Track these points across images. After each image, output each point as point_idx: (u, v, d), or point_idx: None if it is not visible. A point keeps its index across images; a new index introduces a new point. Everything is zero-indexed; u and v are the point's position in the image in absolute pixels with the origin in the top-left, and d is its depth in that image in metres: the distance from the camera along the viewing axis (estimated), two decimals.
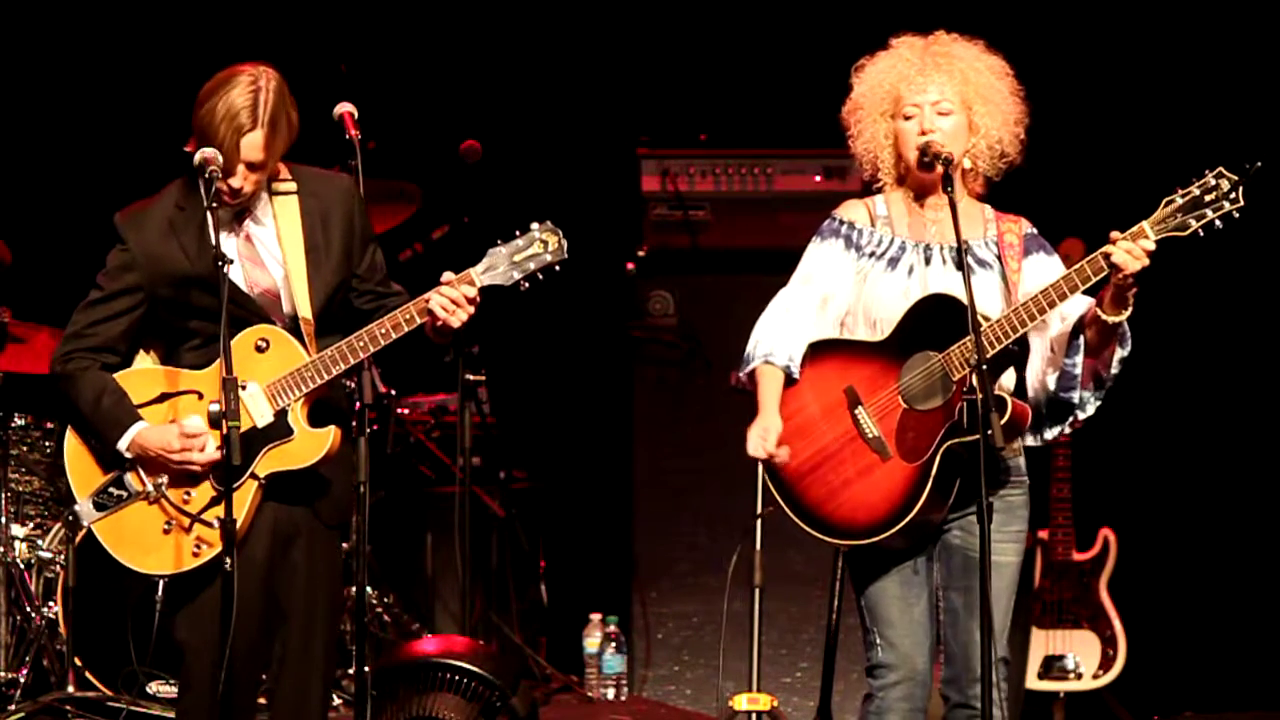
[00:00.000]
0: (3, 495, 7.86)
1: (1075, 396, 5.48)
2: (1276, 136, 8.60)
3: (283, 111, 5.40)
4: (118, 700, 7.60)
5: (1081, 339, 5.44)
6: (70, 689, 7.64)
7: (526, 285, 5.46)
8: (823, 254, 5.59)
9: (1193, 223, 5.29)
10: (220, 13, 9.11)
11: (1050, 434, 5.58)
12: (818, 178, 8.66)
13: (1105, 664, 8.82)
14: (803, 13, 9.20)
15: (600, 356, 9.24)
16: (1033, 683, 8.78)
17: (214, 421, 5.33)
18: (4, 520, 7.81)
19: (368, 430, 5.52)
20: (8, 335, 7.94)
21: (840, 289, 5.57)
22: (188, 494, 5.44)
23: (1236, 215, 5.29)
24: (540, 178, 9.34)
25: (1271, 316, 9.09)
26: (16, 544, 7.84)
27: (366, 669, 5.87)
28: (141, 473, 5.46)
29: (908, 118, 5.53)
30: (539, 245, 5.42)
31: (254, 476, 5.41)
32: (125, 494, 5.47)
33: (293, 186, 5.53)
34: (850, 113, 5.63)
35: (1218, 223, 5.29)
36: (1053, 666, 8.83)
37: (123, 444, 5.43)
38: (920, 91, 5.51)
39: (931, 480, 5.39)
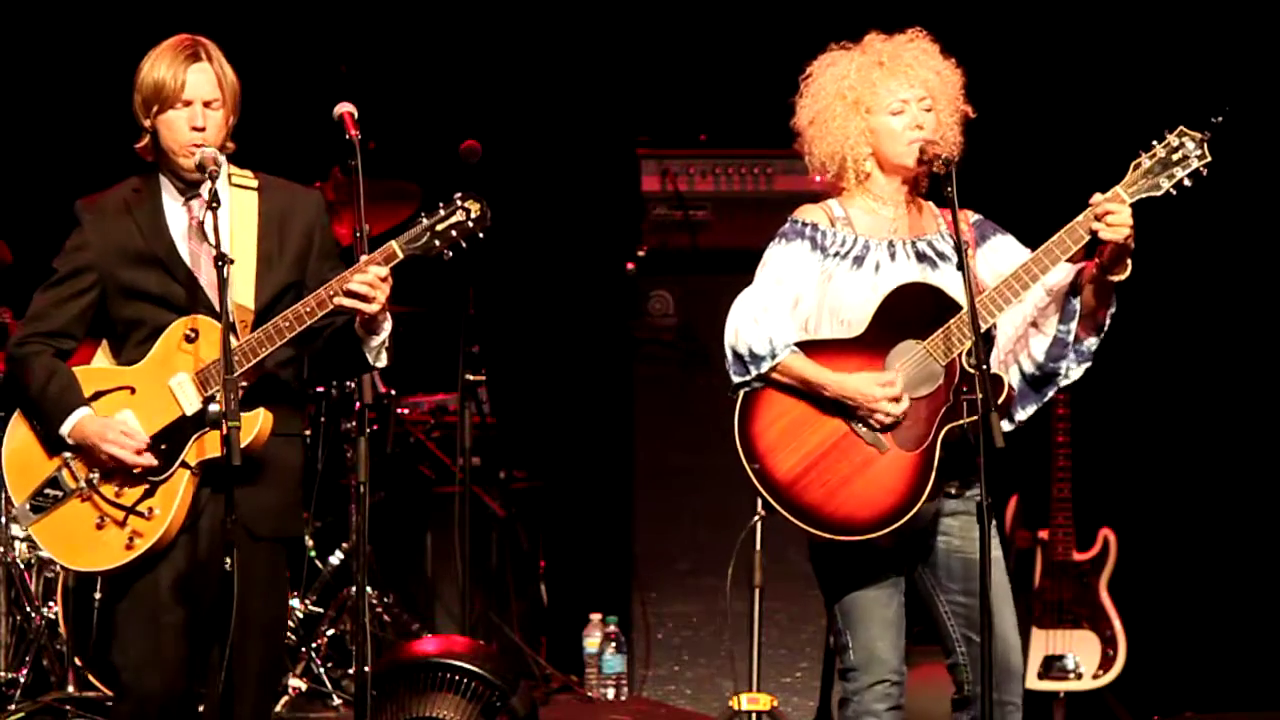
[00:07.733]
0: (2, 495, 7.85)
1: (1063, 366, 5.49)
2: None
3: (224, 62, 5.54)
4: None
5: (1077, 301, 5.44)
6: (70, 689, 7.65)
7: (450, 254, 5.43)
8: (789, 256, 5.58)
9: (1164, 183, 5.39)
10: (221, 13, 9.10)
11: (1025, 413, 5.56)
12: (818, 178, 8.63)
13: (1105, 664, 8.82)
14: (802, 13, 9.19)
15: (600, 356, 9.24)
16: (1033, 683, 8.77)
17: (213, 422, 5.33)
18: (4, 520, 7.81)
19: (368, 430, 5.51)
20: (8, 335, 7.93)
21: (808, 291, 5.56)
22: (120, 489, 5.41)
23: (1204, 172, 5.39)
24: (540, 178, 9.34)
25: (1270, 317, 9.09)
26: (16, 544, 7.84)
27: (366, 669, 5.87)
28: (74, 469, 5.44)
29: (895, 113, 5.53)
30: (461, 214, 5.42)
31: (185, 465, 5.38)
32: (60, 493, 5.44)
33: (254, 184, 5.56)
34: (818, 113, 5.62)
35: (1186, 181, 5.39)
36: (1053, 666, 8.83)
37: (65, 428, 5.41)
38: (909, 86, 5.53)
39: (936, 464, 5.39)
